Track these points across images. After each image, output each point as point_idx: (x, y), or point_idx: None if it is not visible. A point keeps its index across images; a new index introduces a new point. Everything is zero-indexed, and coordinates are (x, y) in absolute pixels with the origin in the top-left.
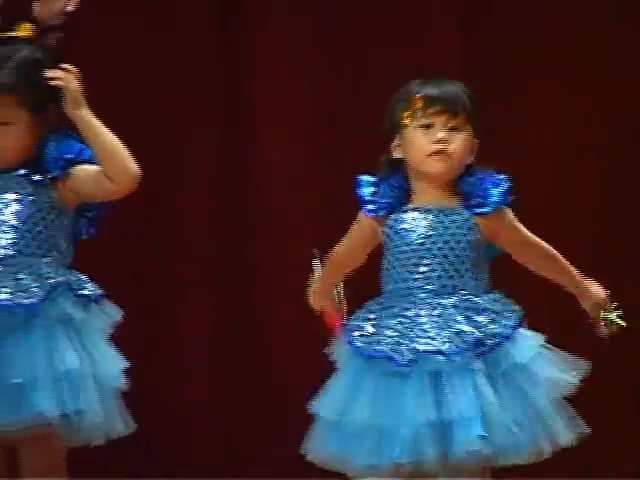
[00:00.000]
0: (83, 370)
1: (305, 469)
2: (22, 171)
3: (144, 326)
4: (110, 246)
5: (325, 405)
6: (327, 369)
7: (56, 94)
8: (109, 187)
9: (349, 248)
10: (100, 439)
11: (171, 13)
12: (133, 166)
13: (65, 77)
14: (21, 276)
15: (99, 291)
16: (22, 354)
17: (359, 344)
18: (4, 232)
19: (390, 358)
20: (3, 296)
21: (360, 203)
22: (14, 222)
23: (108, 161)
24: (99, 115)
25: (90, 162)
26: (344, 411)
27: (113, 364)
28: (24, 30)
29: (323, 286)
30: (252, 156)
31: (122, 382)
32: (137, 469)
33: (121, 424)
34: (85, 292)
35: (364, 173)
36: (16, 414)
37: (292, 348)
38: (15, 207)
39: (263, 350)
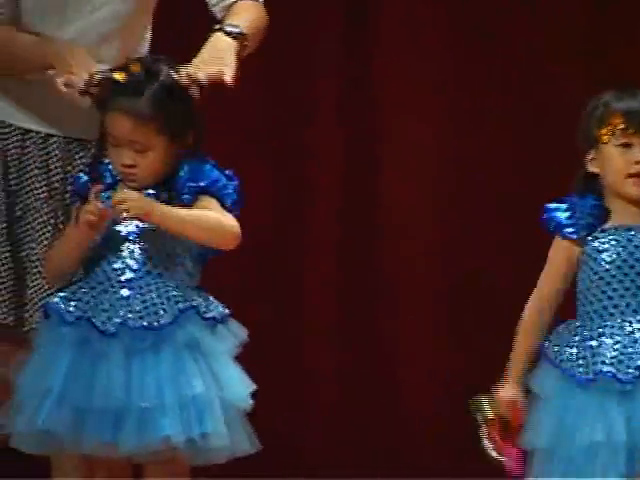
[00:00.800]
0: (210, 394)
1: None
2: (151, 190)
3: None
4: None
5: (543, 435)
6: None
7: (193, 119)
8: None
9: (555, 281)
10: (224, 458)
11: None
12: (230, 232)
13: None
14: (149, 298)
15: (226, 311)
16: (150, 378)
17: (571, 367)
18: (132, 253)
19: (614, 376)
20: (132, 316)
21: (556, 228)
22: (142, 243)
23: (207, 240)
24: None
25: (221, 196)
26: (568, 436)
27: (240, 386)
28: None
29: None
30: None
31: (249, 403)
32: None
33: (247, 443)
34: (212, 314)
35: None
36: (143, 438)
37: (418, 381)
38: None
39: (388, 374)
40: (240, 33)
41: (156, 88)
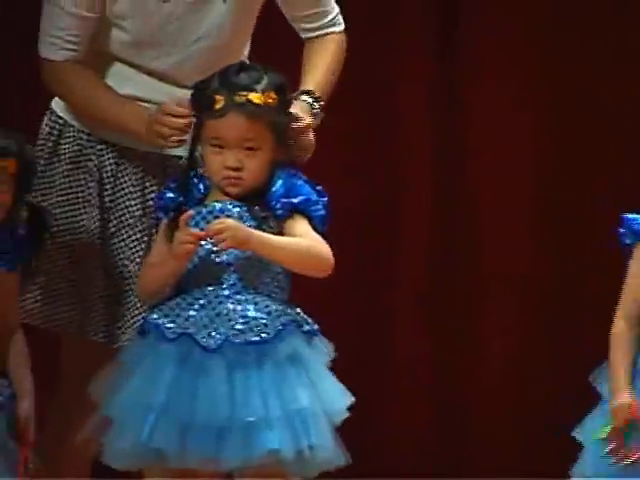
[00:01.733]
0: (314, 407)
1: None
2: (238, 209)
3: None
4: None
5: None
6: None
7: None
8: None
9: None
10: (317, 471)
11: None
12: (325, 261)
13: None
14: (250, 313)
15: (316, 325)
16: (254, 392)
17: None
18: (229, 269)
19: None
20: (234, 331)
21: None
22: (239, 260)
23: (302, 269)
24: None
25: (311, 214)
26: None
27: (341, 399)
28: None
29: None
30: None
31: (345, 416)
32: None
33: (341, 456)
34: (308, 327)
35: None
36: (249, 452)
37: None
38: None
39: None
40: (316, 106)
41: (267, 83)
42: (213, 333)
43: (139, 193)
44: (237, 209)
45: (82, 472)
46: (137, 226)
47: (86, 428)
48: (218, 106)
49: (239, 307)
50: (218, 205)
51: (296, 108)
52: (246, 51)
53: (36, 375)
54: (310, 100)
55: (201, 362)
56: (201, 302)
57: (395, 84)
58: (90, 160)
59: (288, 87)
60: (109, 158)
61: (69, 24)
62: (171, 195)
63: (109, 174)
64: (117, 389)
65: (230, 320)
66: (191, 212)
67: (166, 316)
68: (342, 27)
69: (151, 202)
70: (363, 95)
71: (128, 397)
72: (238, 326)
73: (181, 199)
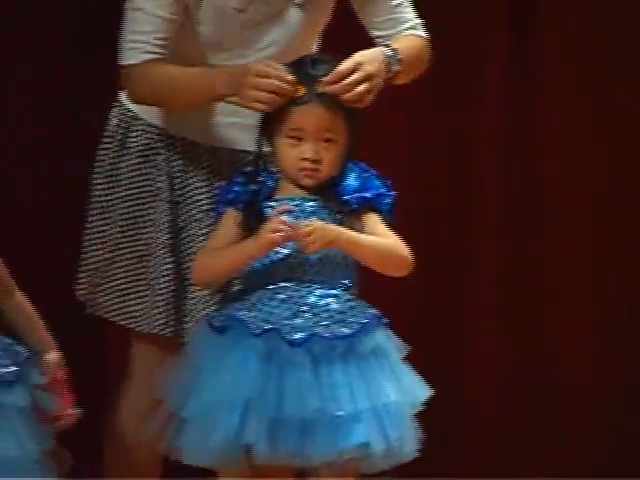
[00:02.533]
0: (399, 400)
1: None
2: (313, 203)
3: None
4: None
5: None
6: None
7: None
8: None
9: None
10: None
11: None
12: (406, 261)
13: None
14: (333, 308)
15: (386, 319)
16: (341, 387)
17: None
18: (306, 264)
19: None
20: (320, 326)
21: None
22: (317, 256)
23: (383, 267)
24: None
25: (382, 209)
26: None
27: (420, 392)
28: None
29: None
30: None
31: (420, 408)
32: None
33: (413, 448)
34: (385, 321)
35: None
36: (338, 446)
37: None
38: None
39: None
40: (396, 57)
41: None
42: (298, 327)
43: (207, 188)
44: (312, 203)
45: (152, 469)
46: (205, 221)
47: (153, 426)
48: (300, 94)
49: (322, 301)
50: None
51: (365, 56)
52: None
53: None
54: (386, 50)
55: (287, 357)
56: (282, 297)
57: (467, 84)
58: (159, 154)
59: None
60: (178, 152)
61: (154, 27)
62: (242, 187)
63: (178, 168)
64: (195, 388)
65: (315, 314)
66: (287, 206)
67: (249, 311)
68: (424, 35)
69: None
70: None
71: (211, 395)
72: (323, 320)
73: (254, 189)
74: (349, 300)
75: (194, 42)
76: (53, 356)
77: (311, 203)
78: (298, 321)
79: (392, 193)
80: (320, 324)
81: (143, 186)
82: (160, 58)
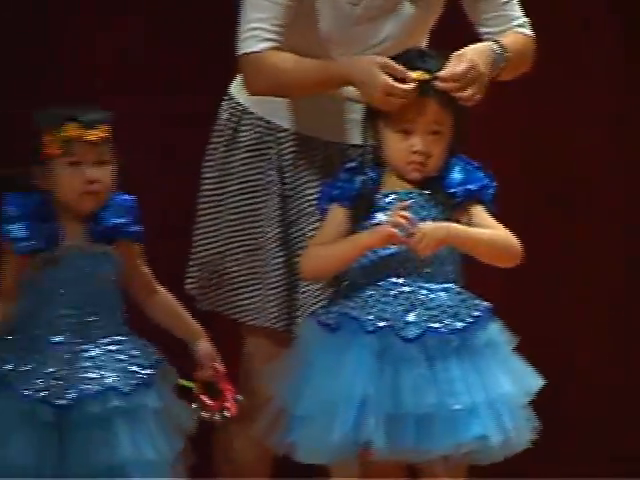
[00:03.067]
0: (514, 391)
1: None
2: (414, 194)
3: None
4: None
5: None
6: None
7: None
8: None
9: None
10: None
11: None
12: (516, 252)
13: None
14: (444, 302)
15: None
16: (457, 380)
17: None
18: (411, 260)
19: None
20: (434, 320)
21: None
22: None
23: (494, 260)
24: None
25: (486, 201)
26: None
27: (533, 382)
28: None
29: None
30: None
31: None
32: None
33: (528, 438)
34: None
35: None
36: (456, 440)
37: None
38: None
39: None
40: (503, 54)
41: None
42: (411, 323)
43: (318, 182)
44: (419, 197)
45: (262, 467)
46: (314, 215)
47: (262, 423)
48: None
49: (433, 296)
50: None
51: (478, 54)
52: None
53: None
54: (495, 47)
55: (401, 353)
56: (394, 293)
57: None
58: (270, 148)
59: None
60: (289, 146)
61: (272, 14)
62: (347, 183)
63: (289, 162)
64: (308, 386)
65: (427, 309)
66: (408, 202)
67: (362, 309)
68: (530, 33)
69: None
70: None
71: (328, 394)
72: (436, 315)
73: (361, 183)
74: (459, 293)
75: (308, 37)
76: (206, 345)
77: (419, 197)
78: (411, 317)
79: (494, 184)
80: (433, 319)
81: (254, 180)
82: (278, 46)
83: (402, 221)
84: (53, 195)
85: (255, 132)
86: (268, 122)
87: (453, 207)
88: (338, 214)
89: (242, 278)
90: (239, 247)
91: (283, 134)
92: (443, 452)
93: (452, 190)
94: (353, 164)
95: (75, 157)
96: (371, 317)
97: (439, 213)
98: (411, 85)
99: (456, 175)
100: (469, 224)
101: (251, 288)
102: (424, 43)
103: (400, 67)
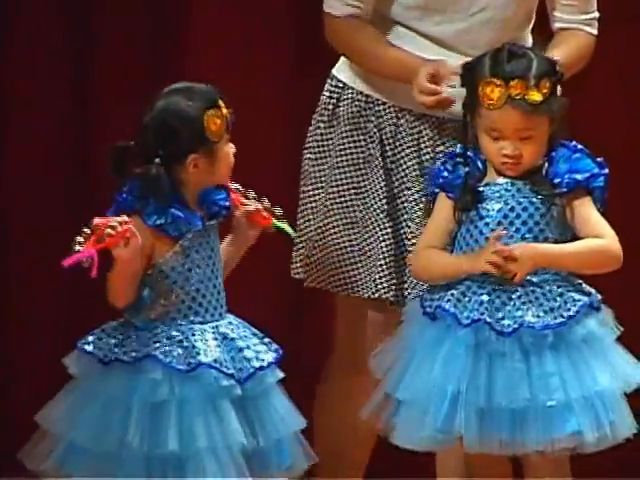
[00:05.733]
0: (613, 386)
1: None
2: (529, 182)
3: None
4: None
5: None
6: None
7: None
8: None
9: None
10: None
11: None
12: (613, 260)
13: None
14: (542, 296)
15: (599, 296)
16: (552, 376)
17: None
18: None
19: None
20: (530, 315)
21: None
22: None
23: (590, 271)
24: None
25: (594, 190)
26: None
27: (634, 373)
28: None
29: None
30: None
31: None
32: None
33: (628, 430)
34: (597, 304)
35: None
36: (549, 435)
37: None
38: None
39: None
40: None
41: (539, 72)
42: (507, 318)
43: (416, 154)
44: (520, 187)
45: (364, 449)
46: (415, 187)
47: (370, 405)
48: (494, 97)
49: (529, 289)
50: (502, 184)
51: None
52: (530, 26)
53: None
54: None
55: (496, 347)
56: (490, 287)
57: None
58: (370, 121)
59: (558, 66)
60: (388, 119)
61: None
62: (452, 173)
63: (388, 135)
64: (408, 371)
65: (523, 303)
66: (502, 232)
67: (459, 301)
68: (595, 32)
69: (426, 163)
70: None
71: (423, 382)
72: (532, 310)
73: (465, 172)
74: (559, 287)
75: (403, 2)
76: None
77: (520, 188)
78: (507, 311)
79: (604, 171)
80: (529, 314)
81: (356, 153)
82: (360, 14)
83: (496, 258)
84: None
85: (354, 106)
86: (367, 96)
87: (558, 197)
88: (444, 206)
89: (344, 251)
90: (339, 220)
91: (382, 107)
92: (536, 447)
93: (557, 180)
94: (457, 152)
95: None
96: (466, 310)
97: (541, 204)
98: (441, 87)
99: (561, 165)
100: (573, 219)
101: (354, 260)
102: (527, 20)
103: (442, 67)
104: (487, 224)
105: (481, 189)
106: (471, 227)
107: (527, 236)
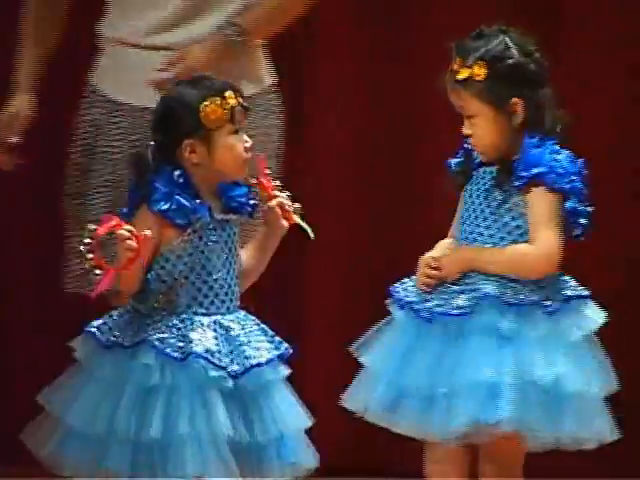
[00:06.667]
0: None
1: None
2: (497, 169)
3: None
4: None
5: None
6: None
7: (523, 91)
8: None
9: None
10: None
11: None
12: (535, 266)
13: None
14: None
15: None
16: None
17: None
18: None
19: None
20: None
21: None
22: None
23: (516, 276)
24: None
25: (554, 186)
26: None
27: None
28: None
29: None
30: None
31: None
32: None
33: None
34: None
35: None
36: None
37: None
38: None
39: None
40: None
41: (480, 53)
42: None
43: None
44: (494, 175)
45: None
46: None
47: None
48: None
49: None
50: (480, 170)
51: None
52: None
53: None
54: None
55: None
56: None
57: None
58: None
59: (508, 56)
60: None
61: None
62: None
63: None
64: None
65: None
66: (433, 263)
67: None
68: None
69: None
70: None
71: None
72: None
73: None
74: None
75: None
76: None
77: (490, 174)
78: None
79: (573, 170)
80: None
81: None
82: None
83: (430, 282)
84: (197, 168)
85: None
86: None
87: (515, 190)
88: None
89: None
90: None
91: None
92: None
93: (516, 173)
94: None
95: (237, 124)
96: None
97: (506, 196)
98: None
99: (522, 158)
100: (524, 212)
101: None
102: None
103: None
104: (466, 209)
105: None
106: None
107: (481, 224)
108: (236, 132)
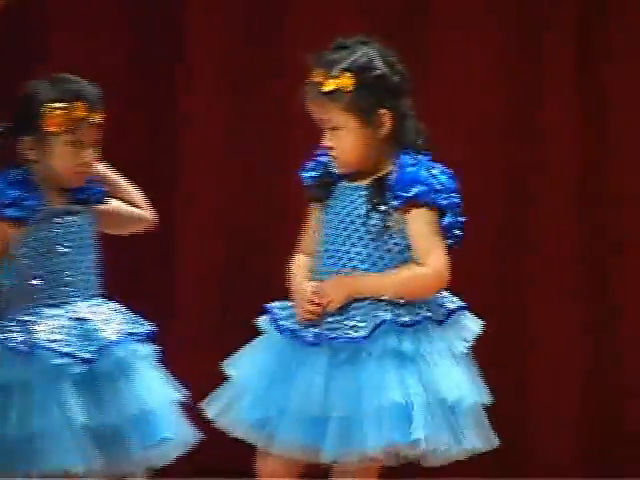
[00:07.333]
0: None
1: None
2: (370, 188)
3: None
4: None
5: None
6: None
7: (391, 103)
8: None
9: None
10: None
11: None
12: (428, 284)
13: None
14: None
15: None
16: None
17: None
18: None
19: None
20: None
21: None
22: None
23: (410, 298)
24: None
25: (434, 204)
26: None
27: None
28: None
29: None
30: None
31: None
32: None
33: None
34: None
35: None
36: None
37: None
38: None
39: None
40: None
41: (346, 64)
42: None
43: None
44: (362, 192)
45: None
46: None
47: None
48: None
49: None
50: (345, 186)
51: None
52: None
53: None
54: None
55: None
56: None
57: None
58: None
59: (373, 67)
60: None
61: None
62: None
63: None
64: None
65: None
66: (317, 293)
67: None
68: None
69: None
70: None
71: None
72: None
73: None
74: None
75: None
76: None
77: (361, 192)
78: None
79: (449, 186)
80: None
81: None
82: None
83: (312, 317)
84: (36, 165)
85: None
86: None
87: (392, 209)
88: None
89: None
90: None
91: None
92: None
93: (392, 193)
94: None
95: (77, 137)
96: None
97: (376, 214)
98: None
99: (397, 177)
100: (407, 231)
101: None
102: None
103: None
104: (332, 227)
105: (334, 187)
106: (322, 224)
107: (358, 244)
108: (77, 144)
